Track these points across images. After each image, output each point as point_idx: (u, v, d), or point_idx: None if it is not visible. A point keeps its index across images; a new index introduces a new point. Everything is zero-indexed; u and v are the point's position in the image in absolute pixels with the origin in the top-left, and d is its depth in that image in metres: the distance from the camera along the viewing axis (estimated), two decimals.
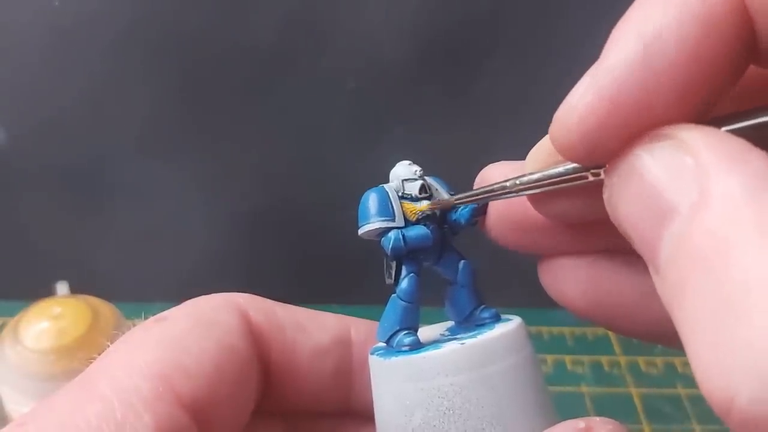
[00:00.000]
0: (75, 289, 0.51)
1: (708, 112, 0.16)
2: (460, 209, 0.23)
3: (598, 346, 0.60)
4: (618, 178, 0.16)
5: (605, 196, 0.16)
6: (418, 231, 0.22)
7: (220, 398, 0.21)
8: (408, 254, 0.22)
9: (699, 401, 0.53)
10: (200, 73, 0.53)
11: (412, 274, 0.22)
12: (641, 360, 0.58)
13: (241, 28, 0.51)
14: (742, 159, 0.13)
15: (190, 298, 0.24)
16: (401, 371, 0.21)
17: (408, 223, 0.22)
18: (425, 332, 0.24)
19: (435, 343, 0.22)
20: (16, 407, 0.43)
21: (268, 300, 0.25)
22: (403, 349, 0.22)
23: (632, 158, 0.15)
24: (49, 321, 0.43)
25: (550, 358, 0.58)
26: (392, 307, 0.22)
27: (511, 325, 0.22)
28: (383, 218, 0.22)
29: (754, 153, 0.13)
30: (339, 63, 0.52)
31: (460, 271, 0.23)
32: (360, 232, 0.22)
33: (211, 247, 0.59)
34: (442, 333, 0.24)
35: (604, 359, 0.59)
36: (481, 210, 0.22)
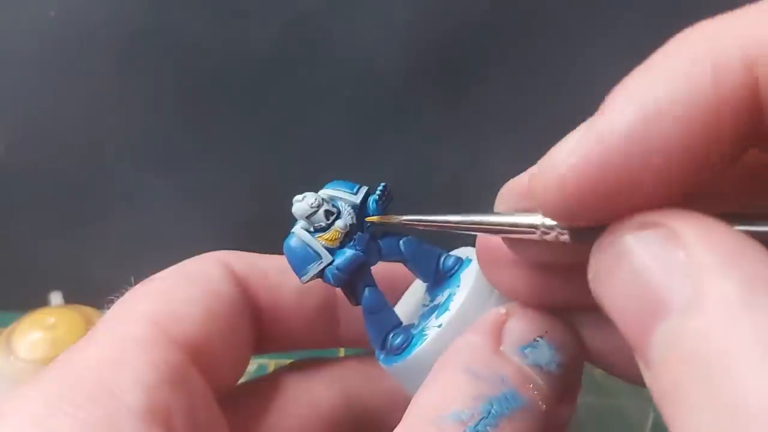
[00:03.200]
0: (69, 299, 0.51)
1: (697, 193, 0.15)
2: (369, 205, 0.23)
3: None
4: (605, 261, 0.15)
5: (590, 275, 0.16)
6: (347, 256, 0.23)
7: (213, 339, 0.22)
8: (352, 276, 0.23)
9: None
10: (196, 83, 0.53)
11: (368, 288, 0.23)
12: None
13: (237, 39, 0.51)
14: (738, 256, 0.13)
15: None
16: (405, 373, 0.22)
17: (334, 251, 0.23)
18: (407, 305, 0.25)
19: (420, 326, 0.23)
20: None
21: (249, 253, 0.26)
22: (396, 352, 0.23)
23: (621, 243, 0.14)
24: (43, 331, 0.43)
25: None
26: (369, 323, 0.23)
27: (470, 275, 0.22)
28: (312, 263, 0.22)
29: (749, 248, 0.13)
30: (334, 72, 0.52)
31: (404, 251, 0.24)
32: (303, 281, 0.23)
33: None
34: (422, 300, 0.25)
35: (597, 370, 0.58)
36: (386, 198, 0.23)
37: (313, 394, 0.26)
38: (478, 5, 0.50)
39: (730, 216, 0.14)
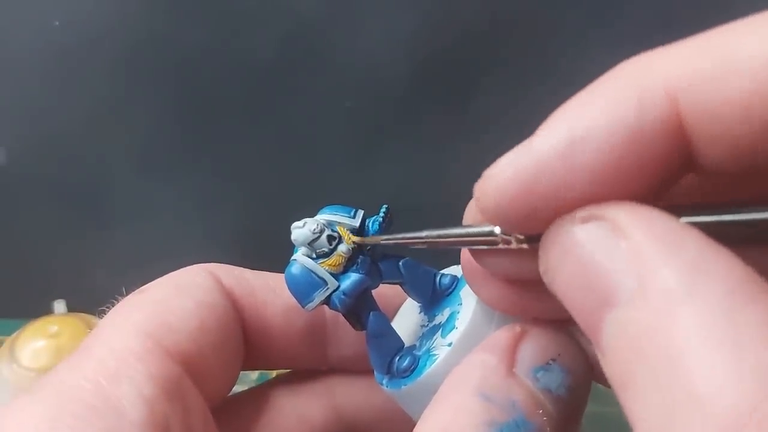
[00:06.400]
0: (72, 308, 0.51)
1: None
2: (369, 227, 0.23)
3: None
4: (553, 254, 0.16)
5: (541, 269, 0.16)
6: (353, 280, 0.22)
7: (206, 350, 0.22)
8: (357, 300, 0.22)
9: None
10: (199, 92, 0.53)
11: (372, 313, 0.23)
12: None
13: (241, 48, 0.51)
14: (678, 244, 0.13)
15: None
16: (415, 395, 0.22)
17: (339, 276, 0.22)
18: (401, 326, 0.24)
19: (423, 346, 0.23)
20: None
21: (238, 267, 0.26)
22: (404, 375, 0.22)
23: (566, 235, 0.15)
24: (46, 339, 0.43)
25: None
26: (374, 347, 0.23)
27: (470, 292, 0.22)
28: (318, 290, 0.22)
29: (689, 236, 0.13)
30: (336, 82, 0.52)
31: (404, 273, 0.23)
32: (308, 309, 0.22)
33: None
34: (419, 321, 0.24)
35: None
36: (388, 220, 0.23)
37: (303, 406, 0.26)
38: (480, 14, 0.50)
39: (673, 208, 0.14)
